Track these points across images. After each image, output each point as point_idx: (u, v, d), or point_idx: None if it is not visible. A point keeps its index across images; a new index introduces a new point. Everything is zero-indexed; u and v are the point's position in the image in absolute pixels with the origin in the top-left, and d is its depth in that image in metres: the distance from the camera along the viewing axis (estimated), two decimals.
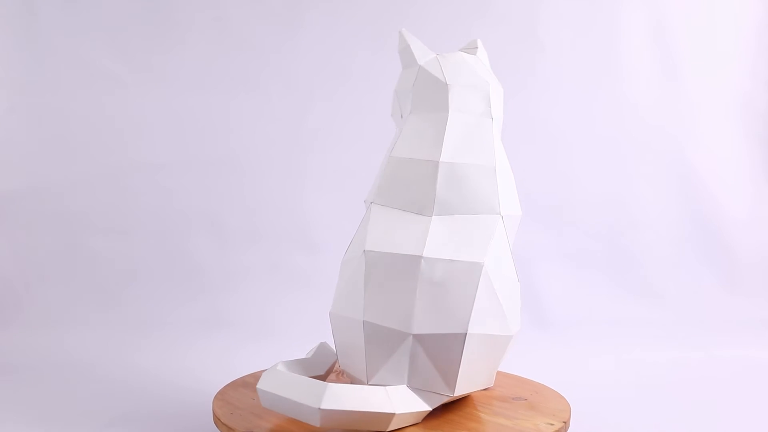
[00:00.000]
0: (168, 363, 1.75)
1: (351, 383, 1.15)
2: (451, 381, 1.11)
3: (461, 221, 1.16)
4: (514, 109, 2.27)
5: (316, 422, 1.04)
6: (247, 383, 1.31)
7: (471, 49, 1.28)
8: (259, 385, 1.10)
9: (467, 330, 1.08)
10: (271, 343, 1.87)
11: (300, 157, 2.20)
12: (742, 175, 2.33)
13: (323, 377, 1.25)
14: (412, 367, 1.09)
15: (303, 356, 1.26)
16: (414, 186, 1.17)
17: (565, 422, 1.22)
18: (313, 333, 1.70)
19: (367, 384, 1.11)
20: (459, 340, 1.09)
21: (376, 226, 1.15)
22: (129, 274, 2.11)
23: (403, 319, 1.09)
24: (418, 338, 1.08)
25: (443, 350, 1.09)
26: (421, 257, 1.10)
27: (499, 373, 1.38)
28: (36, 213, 2.14)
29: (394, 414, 1.05)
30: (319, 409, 1.03)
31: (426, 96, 1.23)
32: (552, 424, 1.19)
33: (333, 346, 1.28)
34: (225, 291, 2.10)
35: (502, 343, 1.14)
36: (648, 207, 2.28)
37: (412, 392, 1.10)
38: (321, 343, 1.27)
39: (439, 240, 1.13)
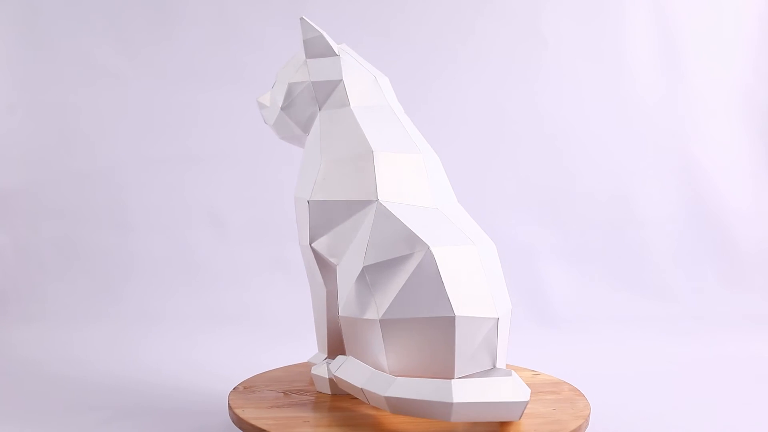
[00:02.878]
0: (170, 358, 1.75)
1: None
2: (504, 355, 1.17)
3: (453, 210, 1.21)
4: (518, 105, 2.29)
5: (517, 416, 1.08)
6: (262, 379, 1.33)
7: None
8: (455, 399, 1.05)
9: (511, 305, 1.17)
10: (272, 338, 1.88)
11: (302, 150, 2.20)
12: (744, 170, 2.32)
13: None
14: (499, 349, 1.13)
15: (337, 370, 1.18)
16: (410, 181, 1.20)
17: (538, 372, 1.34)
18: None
19: (456, 378, 1.11)
20: (509, 315, 1.17)
21: (416, 225, 1.14)
22: (130, 268, 2.13)
23: (487, 306, 1.12)
24: (499, 321, 1.12)
25: (505, 328, 1.15)
26: (474, 246, 1.14)
27: None
28: (37, 208, 2.16)
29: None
30: (525, 402, 1.08)
31: (361, 88, 1.25)
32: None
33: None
34: (226, 286, 2.11)
35: None
36: (651, 202, 2.28)
37: None
38: (347, 358, 1.18)
39: (467, 230, 1.17)
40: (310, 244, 1.21)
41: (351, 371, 1.13)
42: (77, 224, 2.16)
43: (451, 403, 1.04)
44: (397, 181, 1.19)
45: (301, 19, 1.23)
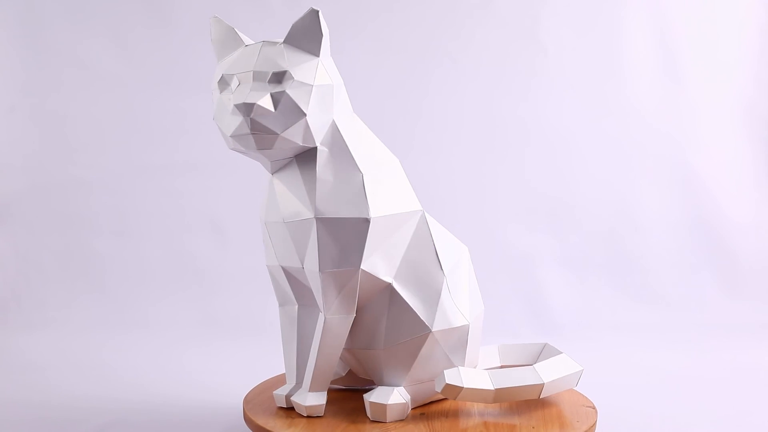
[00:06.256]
0: (171, 366, 1.76)
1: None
2: None
3: None
4: (517, 112, 2.30)
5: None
6: (271, 387, 1.31)
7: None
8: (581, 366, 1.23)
9: None
10: (273, 347, 1.80)
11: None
12: (744, 179, 2.35)
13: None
14: None
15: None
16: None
17: None
18: None
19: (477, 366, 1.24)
20: None
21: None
22: (130, 276, 2.12)
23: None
24: None
25: None
26: None
27: None
28: (37, 213, 2.15)
29: None
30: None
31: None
32: None
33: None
34: (227, 294, 2.10)
35: None
36: (651, 211, 2.30)
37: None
38: (458, 368, 1.16)
39: None
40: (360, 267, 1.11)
41: (474, 379, 1.15)
42: (77, 231, 2.15)
43: (582, 370, 1.23)
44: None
45: (318, 12, 1.08)
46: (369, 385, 1.28)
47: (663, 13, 2.34)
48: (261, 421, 1.14)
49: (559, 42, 2.32)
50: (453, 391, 1.12)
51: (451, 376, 1.13)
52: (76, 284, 2.10)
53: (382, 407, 1.13)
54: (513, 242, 2.23)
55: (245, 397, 1.26)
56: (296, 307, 1.18)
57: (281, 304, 1.19)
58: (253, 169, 2.16)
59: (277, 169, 1.13)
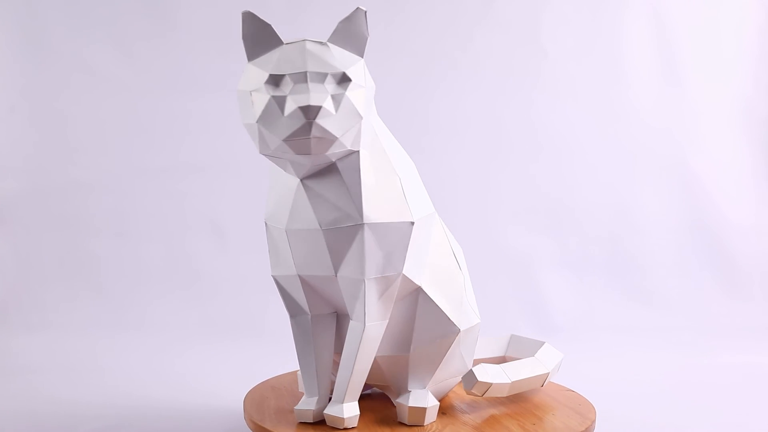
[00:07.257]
0: (170, 368, 1.74)
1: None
2: None
3: None
4: (517, 115, 2.31)
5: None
6: (272, 387, 1.31)
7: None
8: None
9: None
10: (272, 349, 1.83)
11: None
12: (744, 181, 2.35)
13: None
14: None
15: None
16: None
17: None
18: None
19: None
20: None
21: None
22: (130, 278, 2.10)
23: None
24: None
25: None
26: None
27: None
28: (37, 215, 2.13)
29: None
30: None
31: None
32: None
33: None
34: (227, 296, 2.10)
35: None
36: (651, 213, 2.30)
37: None
38: (481, 365, 1.17)
39: None
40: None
41: (495, 374, 1.15)
42: (77, 233, 2.13)
43: (563, 357, 1.30)
44: None
45: (365, 12, 1.03)
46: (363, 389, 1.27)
47: (663, 15, 2.34)
48: (269, 426, 1.12)
49: (559, 45, 2.32)
50: (483, 387, 1.13)
51: (481, 374, 1.12)
52: (75, 286, 2.09)
53: (422, 411, 1.11)
54: (513, 243, 2.23)
55: (245, 399, 1.25)
56: (309, 317, 1.14)
57: (293, 315, 1.15)
58: (253, 171, 2.14)
59: (311, 173, 1.06)
